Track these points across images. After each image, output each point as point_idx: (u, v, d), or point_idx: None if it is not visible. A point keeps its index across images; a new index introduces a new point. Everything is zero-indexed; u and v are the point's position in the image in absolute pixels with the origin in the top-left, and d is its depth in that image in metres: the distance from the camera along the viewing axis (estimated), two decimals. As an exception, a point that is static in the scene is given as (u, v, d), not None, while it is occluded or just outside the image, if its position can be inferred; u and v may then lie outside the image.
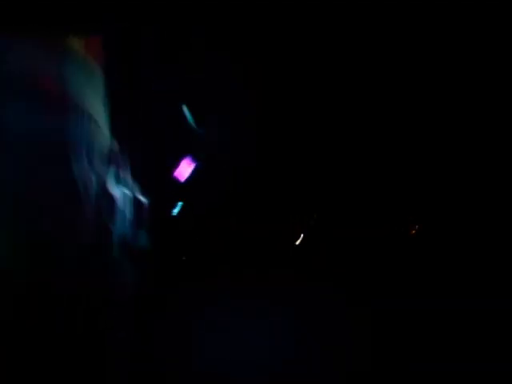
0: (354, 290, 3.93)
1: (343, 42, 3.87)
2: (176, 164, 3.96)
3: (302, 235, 4.36)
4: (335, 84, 4.07)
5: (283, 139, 4.20)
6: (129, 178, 3.15)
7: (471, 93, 3.96)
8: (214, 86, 4.01)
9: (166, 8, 3.47)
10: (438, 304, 3.69)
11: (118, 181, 3.12)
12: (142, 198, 3.27)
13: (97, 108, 2.85)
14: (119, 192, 3.10)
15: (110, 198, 3.02)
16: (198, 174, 4.09)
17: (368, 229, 4.29)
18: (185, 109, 3.65)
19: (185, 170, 3.94)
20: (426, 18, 3.73)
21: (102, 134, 2.90)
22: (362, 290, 3.93)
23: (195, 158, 3.95)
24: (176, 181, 3.92)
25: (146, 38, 3.58)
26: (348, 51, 3.90)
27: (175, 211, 4.04)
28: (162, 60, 3.66)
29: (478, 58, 3.79)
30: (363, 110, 4.15)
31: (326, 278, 4.08)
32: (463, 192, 4.14)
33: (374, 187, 4.29)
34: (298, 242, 4.32)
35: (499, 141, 4.05)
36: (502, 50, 3.69)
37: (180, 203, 4.07)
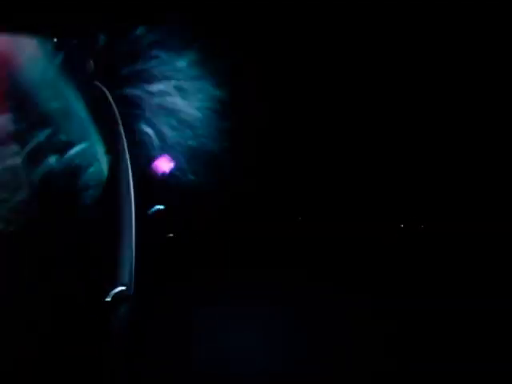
0: (354, 289, 3.92)
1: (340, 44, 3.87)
2: (155, 160, 3.98)
3: (301, 235, 4.37)
4: (326, 88, 4.08)
5: (282, 140, 4.20)
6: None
7: (467, 95, 3.96)
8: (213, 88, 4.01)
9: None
10: (438, 304, 3.69)
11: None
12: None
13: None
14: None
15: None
16: (198, 175, 4.09)
17: (367, 228, 4.29)
18: None
19: (163, 165, 3.96)
20: (426, 18, 3.73)
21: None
22: (362, 290, 3.93)
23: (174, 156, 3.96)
24: (156, 175, 3.94)
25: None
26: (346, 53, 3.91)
27: (152, 210, 4.06)
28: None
29: (474, 58, 3.79)
30: (362, 111, 4.16)
31: (326, 277, 4.08)
32: (463, 192, 4.14)
33: (374, 187, 4.29)
34: (297, 242, 4.32)
35: (496, 140, 4.05)
36: (501, 49, 3.69)
37: (159, 205, 4.09)
